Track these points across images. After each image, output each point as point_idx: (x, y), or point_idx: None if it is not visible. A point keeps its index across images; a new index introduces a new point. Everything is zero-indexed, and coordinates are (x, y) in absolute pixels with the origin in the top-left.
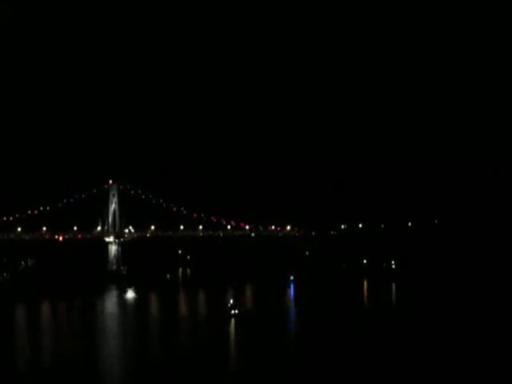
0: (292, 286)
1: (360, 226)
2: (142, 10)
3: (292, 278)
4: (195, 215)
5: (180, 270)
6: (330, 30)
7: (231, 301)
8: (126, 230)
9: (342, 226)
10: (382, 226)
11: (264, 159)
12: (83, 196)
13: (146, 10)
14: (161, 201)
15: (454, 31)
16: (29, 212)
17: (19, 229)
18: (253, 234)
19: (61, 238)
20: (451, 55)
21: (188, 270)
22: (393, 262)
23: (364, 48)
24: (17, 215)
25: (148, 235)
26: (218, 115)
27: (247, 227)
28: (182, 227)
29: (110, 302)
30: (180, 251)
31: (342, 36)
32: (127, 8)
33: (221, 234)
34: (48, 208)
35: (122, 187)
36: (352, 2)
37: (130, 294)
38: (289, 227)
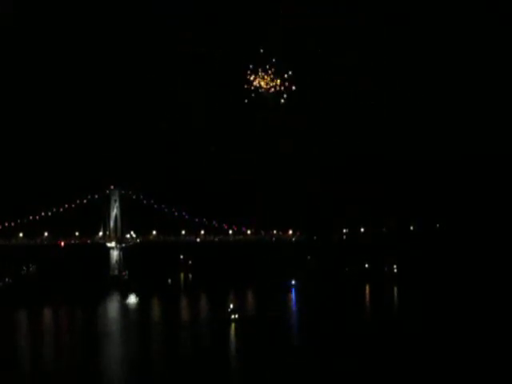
0: (293, 291)
1: (362, 229)
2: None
3: (293, 282)
4: (197, 220)
5: (181, 274)
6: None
7: (231, 305)
8: (128, 235)
9: (344, 230)
10: (384, 229)
11: (264, 163)
12: (85, 201)
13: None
14: (162, 206)
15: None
16: (30, 218)
17: (21, 234)
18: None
19: (62, 244)
20: (452, 56)
21: (189, 275)
22: (395, 267)
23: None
24: (18, 221)
25: (140, 240)
26: (216, 118)
27: (248, 232)
28: (183, 232)
29: (112, 307)
30: (181, 256)
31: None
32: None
33: (216, 239)
34: (49, 213)
35: (123, 192)
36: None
37: (132, 299)
38: (290, 231)
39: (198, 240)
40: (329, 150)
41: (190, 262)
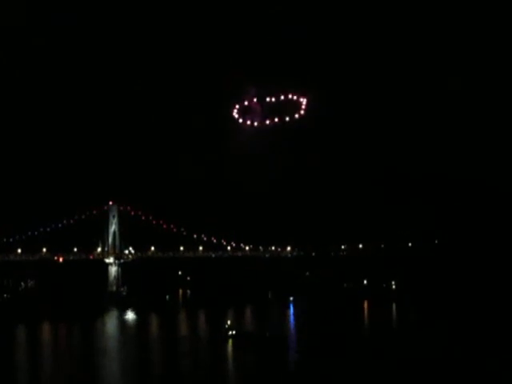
0: (292, 307)
1: (360, 246)
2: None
3: (292, 298)
4: (195, 236)
5: (180, 291)
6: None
7: (228, 322)
8: (126, 251)
9: (342, 247)
10: (382, 246)
11: (263, 180)
12: (83, 217)
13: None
14: (161, 221)
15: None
16: (29, 233)
17: (19, 250)
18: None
19: (61, 259)
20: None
21: (188, 291)
22: (393, 283)
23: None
24: (17, 236)
25: (139, 256)
26: (215, 134)
27: (247, 248)
28: (182, 248)
29: (110, 323)
30: (180, 272)
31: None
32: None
33: (213, 255)
34: (48, 229)
35: (122, 208)
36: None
37: (130, 315)
38: (289, 248)
39: (192, 256)
40: (327, 166)
41: (189, 278)
